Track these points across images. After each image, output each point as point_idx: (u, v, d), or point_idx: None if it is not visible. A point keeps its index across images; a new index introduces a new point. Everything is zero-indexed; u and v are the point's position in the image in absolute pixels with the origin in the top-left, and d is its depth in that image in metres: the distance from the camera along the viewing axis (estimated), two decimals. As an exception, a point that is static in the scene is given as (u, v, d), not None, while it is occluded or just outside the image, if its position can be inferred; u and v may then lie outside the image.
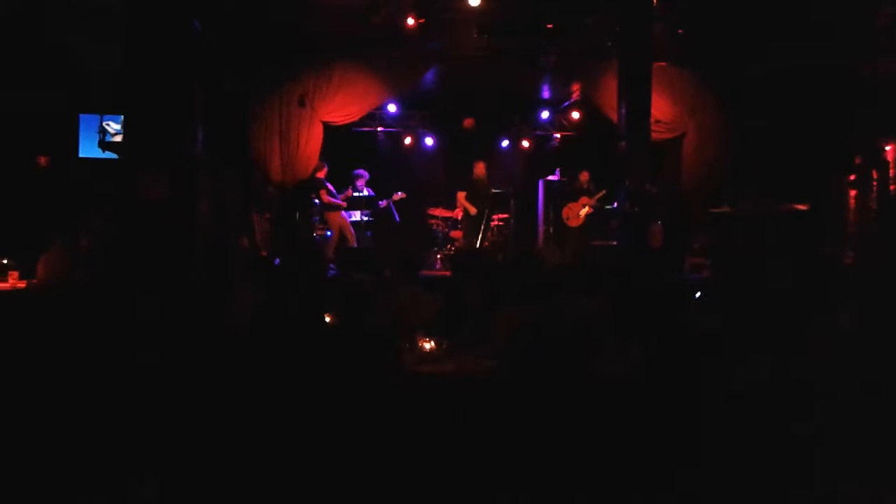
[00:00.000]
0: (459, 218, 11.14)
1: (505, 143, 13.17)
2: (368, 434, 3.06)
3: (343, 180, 10.81)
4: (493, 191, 11.16)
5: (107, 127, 8.48)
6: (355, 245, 10.42)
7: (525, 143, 13.08)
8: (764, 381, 3.12)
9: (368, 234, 10.94)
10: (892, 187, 9.06)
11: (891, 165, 9.09)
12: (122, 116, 8.42)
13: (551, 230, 11.80)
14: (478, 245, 10.80)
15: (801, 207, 8.97)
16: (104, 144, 8.43)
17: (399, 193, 10.99)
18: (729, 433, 2.88)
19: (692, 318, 4.18)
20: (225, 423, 3.04)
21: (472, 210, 10.87)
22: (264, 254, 9.11)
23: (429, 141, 12.64)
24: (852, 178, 9.49)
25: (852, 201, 9.41)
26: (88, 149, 8.46)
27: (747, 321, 3.88)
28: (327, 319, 3.95)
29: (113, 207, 6.95)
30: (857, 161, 9.46)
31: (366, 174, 10.74)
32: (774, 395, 3.00)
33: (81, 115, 8.47)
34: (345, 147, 10.75)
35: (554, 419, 3.10)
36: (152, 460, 3.00)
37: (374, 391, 3.23)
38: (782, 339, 3.49)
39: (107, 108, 8.46)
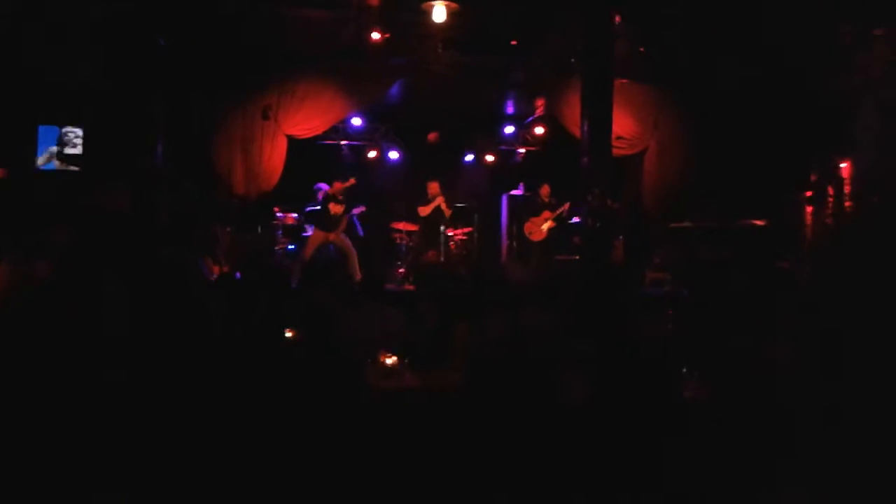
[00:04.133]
0: (418, 228, 11.07)
1: (469, 157, 13.21)
2: (331, 450, 3.04)
3: (305, 194, 10.74)
4: (456, 205, 11.18)
5: (65, 138, 8.34)
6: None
7: (489, 158, 13.13)
8: (715, 395, 3.17)
9: (331, 248, 10.87)
10: (847, 203, 9.25)
11: (846, 182, 9.28)
12: (82, 128, 8.29)
13: (514, 245, 11.86)
14: (441, 259, 10.81)
15: (759, 223, 9.13)
16: (62, 156, 8.29)
17: (360, 207, 10.92)
18: (683, 445, 2.92)
19: (649, 330, 4.24)
20: (189, 440, 3.00)
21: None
22: (226, 268, 9.02)
23: (393, 154, 12.64)
24: (809, 194, 9.68)
25: (809, 217, 9.59)
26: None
27: (706, 335, 3.94)
28: (288, 335, 3.93)
29: (70, 220, 6.84)
30: (813, 177, 9.65)
31: (326, 187, 10.62)
32: (726, 406, 3.05)
33: (40, 126, 8.33)
34: (308, 160, 10.70)
35: (517, 434, 3.10)
36: (117, 479, 2.94)
37: (336, 407, 3.21)
38: (740, 352, 3.54)
39: (66, 120, 8.33)
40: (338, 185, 10.15)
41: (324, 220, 10.09)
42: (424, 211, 10.84)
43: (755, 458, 2.79)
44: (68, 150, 8.29)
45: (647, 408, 3.15)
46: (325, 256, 10.35)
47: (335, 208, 10.10)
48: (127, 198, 6.95)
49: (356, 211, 10.82)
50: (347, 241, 10.22)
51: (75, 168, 8.23)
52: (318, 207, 10.32)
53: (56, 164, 8.28)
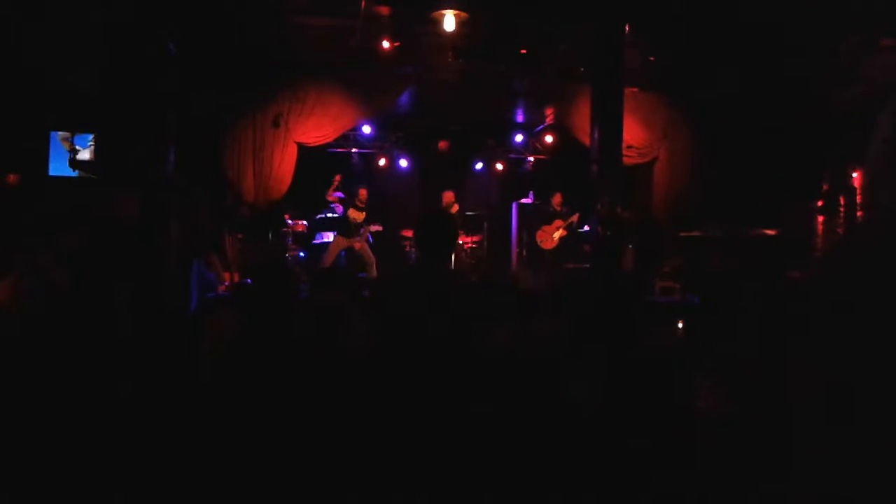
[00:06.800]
0: None
1: (479, 165, 13.25)
2: (340, 456, 3.04)
3: (316, 201, 10.78)
4: (467, 213, 11.21)
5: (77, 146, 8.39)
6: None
7: (499, 166, 13.17)
8: (724, 405, 3.15)
9: (342, 254, 10.90)
10: (858, 213, 9.20)
11: (857, 192, 9.24)
12: (94, 135, 8.34)
13: (524, 253, 11.87)
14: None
15: (770, 232, 9.10)
16: (74, 163, 8.34)
17: (375, 226, 10.95)
18: (693, 454, 2.91)
19: (659, 339, 4.22)
20: (196, 451, 3.01)
21: None
22: (236, 275, 9.05)
23: (403, 162, 12.68)
24: (820, 203, 9.64)
25: (820, 227, 9.55)
26: (59, 167, 8.38)
27: (717, 344, 3.92)
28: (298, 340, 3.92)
29: (82, 227, 6.87)
30: (825, 187, 9.61)
31: (341, 196, 10.69)
32: (732, 418, 3.03)
33: (52, 133, 8.38)
34: (319, 168, 10.74)
35: (527, 442, 3.10)
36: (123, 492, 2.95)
37: (347, 411, 3.21)
38: (750, 361, 3.52)
39: (78, 126, 8.39)
40: (362, 193, 10.28)
41: (345, 228, 10.21)
42: None
43: (766, 466, 2.77)
44: (80, 157, 8.35)
45: (656, 416, 3.14)
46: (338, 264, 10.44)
47: (355, 215, 10.20)
48: (138, 204, 6.98)
49: (374, 229, 10.86)
50: (368, 249, 10.30)
51: (90, 175, 8.28)
52: (338, 215, 10.45)
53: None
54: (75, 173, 8.34)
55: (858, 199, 9.21)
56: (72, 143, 8.29)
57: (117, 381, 3.38)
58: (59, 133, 8.31)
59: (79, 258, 6.03)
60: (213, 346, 3.89)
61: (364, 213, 10.29)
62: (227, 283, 8.75)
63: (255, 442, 3.03)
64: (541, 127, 12.44)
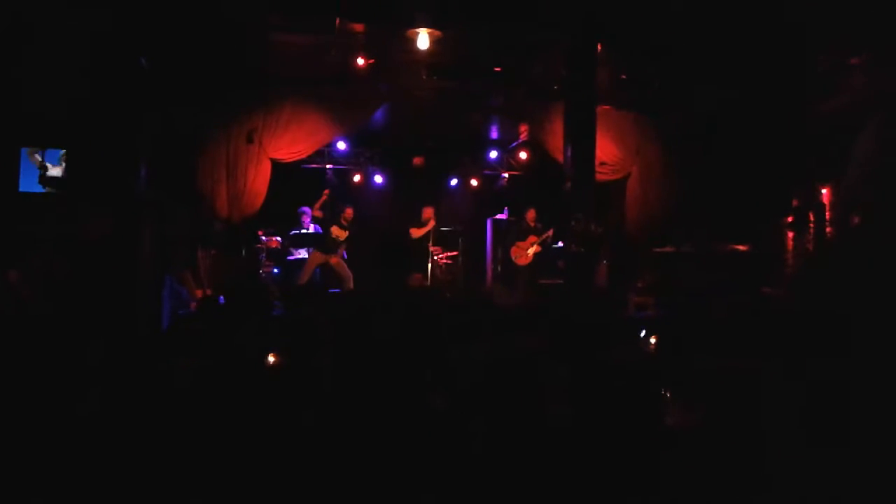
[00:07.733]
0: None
1: (454, 181, 13.28)
2: (316, 475, 3.02)
3: (289, 217, 10.72)
4: (442, 229, 11.24)
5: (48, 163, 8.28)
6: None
7: (473, 182, 13.21)
8: (694, 420, 3.18)
9: (317, 271, 10.85)
10: (828, 229, 9.33)
11: (827, 208, 9.37)
12: (65, 151, 8.24)
13: (499, 269, 11.89)
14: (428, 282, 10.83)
15: (742, 248, 9.21)
16: (45, 179, 8.24)
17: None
18: (661, 469, 2.93)
19: (632, 355, 4.25)
20: (165, 471, 2.97)
21: None
22: (209, 292, 8.97)
23: (378, 179, 12.67)
24: (790, 219, 9.76)
25: (790, 243, 9.67)
26: (29, 183, 8.26)
27: (688, 360, 3.95)
28: (271, 359, 3.90)
29: (52, 244, 6.79)
30: (795, 203, 9.74)
31: (310, 210, 10.62)
32: (705, 432, 3.05)
33: (23, 149, 8.27)
34: (293, 184, 10.70)
35: (501, 456, 3.10)
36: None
37: (322, 423, 3.20)
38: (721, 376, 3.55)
39: (49, 142, 8.28)
40: (348, 212, 10.28)
41: (325, 244, 10.18)
42: (417, 233, 10.95)
43: (736, 481, 2.79)
44: (51, 173, 8.24)
45: (628, 431, 3.16)
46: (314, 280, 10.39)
47: (338, 233, 10.20)
48: (110, 221, 6.90)
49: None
50: (344, 264, 10.28)
51: (60, 191, 8.17)
52: (310, 230, 10.39)
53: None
54: (46, 190, 8.23)
55: (828, 215, 9.34)
56: (42, 160, 8.19)
57: (84, 397, 3.35)
58: (28, 149, 8.20)
59: (49, 275, 5.96)
60: (186, 363, 3.85)
61: (347, 231, 10.29)
62: (199, 300, 8.66)
63: (226, 457, 3.00)
64: (515, 144, 12.51)
